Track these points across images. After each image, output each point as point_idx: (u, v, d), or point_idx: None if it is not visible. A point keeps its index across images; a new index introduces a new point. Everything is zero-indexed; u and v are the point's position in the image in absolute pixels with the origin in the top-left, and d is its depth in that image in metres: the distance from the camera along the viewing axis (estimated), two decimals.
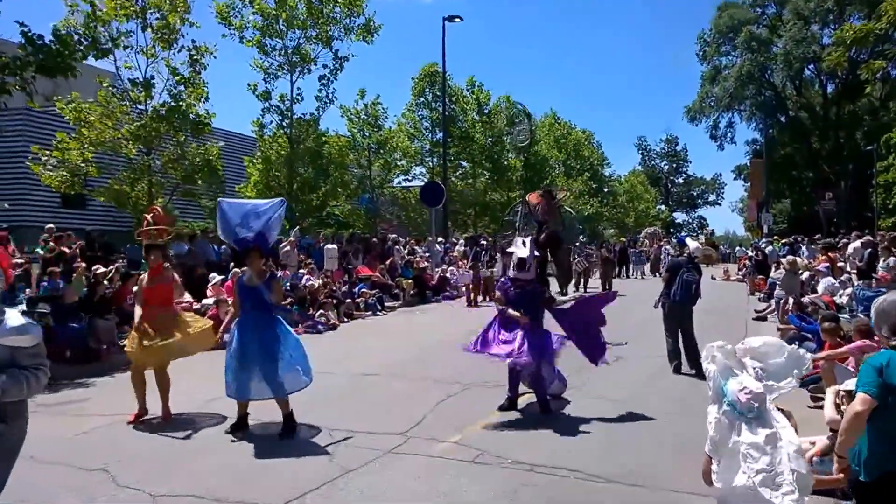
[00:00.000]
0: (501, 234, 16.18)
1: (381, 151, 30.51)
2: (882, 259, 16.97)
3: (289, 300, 16.62)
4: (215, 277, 16.10)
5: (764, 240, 39.68)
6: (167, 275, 8.51)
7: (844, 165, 59.72)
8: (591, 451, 7.01)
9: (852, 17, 56.99)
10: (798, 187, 66.00)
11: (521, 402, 8.80)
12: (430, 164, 35.21)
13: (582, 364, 10.84)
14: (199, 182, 19.75)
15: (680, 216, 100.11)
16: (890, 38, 30.98)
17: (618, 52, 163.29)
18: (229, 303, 14.98)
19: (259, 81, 24.35)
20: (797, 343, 11.15)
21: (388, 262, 23.29)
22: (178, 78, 19.04)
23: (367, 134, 29.95)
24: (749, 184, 75.57)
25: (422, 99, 34.91)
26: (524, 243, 8.80)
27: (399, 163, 32.48)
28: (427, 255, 26.30)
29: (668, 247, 40.91)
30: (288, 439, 7.42)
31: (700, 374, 8.41)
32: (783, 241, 32.66)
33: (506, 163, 38.45)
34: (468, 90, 37.17)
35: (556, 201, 14.99)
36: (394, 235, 26.94)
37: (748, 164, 74.39)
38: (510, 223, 16.23)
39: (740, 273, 32.93)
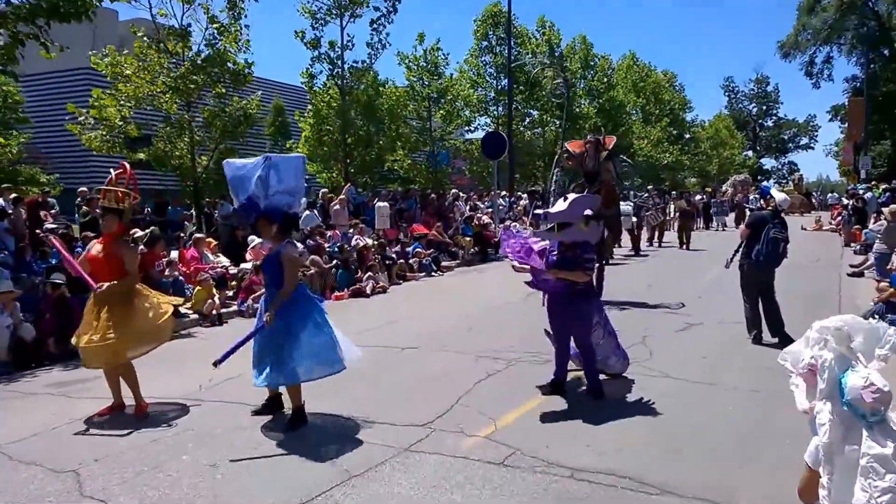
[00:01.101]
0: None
1: (442, 101, 28.98)
2: None
3: (334, 263, 15.76)
4: (255, 240, 15.26)
5: (862, 185, 36.95)
6: (119, 250, 7.11)
7: None
8: (647, 451, 5.82)
9: None
10: None
11: (573, 379, 7.70)
12: (496, 113, 33.70)
13: (645, 332, 9.76)
14: (241, 137, 18.78)
15: (768, 162, 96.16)
16: None
17: None
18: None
19: (307, 28, 23.24)
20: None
21: (448, 220, 22.23)
22: (216, 25, 18.10)
23: (426, 83, 28.48)
24: (846, 125, 71.73)
25: (485, 43, 33.23)
26: (566, 199, 7.35)
27: (462, 113, 30.84)
28: (490, 210, 25.06)
29: (754, 194, 38.65)
30: (292, 434, 6.45)
31: (784, 344, 7.55)
32: (883, 186, 30.14)
33: (578, 110, 36.64)
34: (538, 31, 35.34)
35: (603, 148, 13.75)
36: (455, 190, 25.73)
37: (846, 104, 70.47)
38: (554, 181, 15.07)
39: (834, 223, 30.64)
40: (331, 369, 6.64)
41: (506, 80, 31.44)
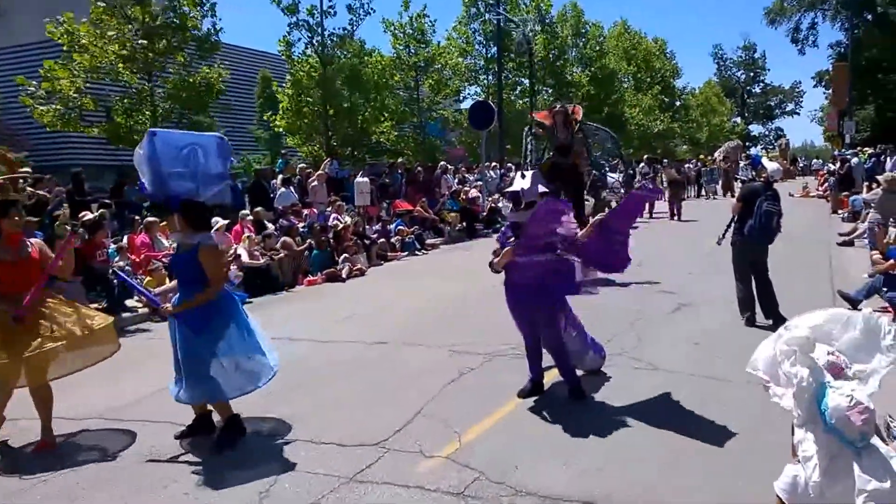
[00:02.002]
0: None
1: (430, 70, 26.68)
2: None
3: (307, 244, 13.81)
4: (219, 221, 13.26)
5: (848, 151, 35.00)
6: (25, 250, 5.39)
7: None
8: (634, 467, 4.65)
9: None
10: (884, 92, 60.28)
11: (551, 378, 6.28)
12: (486, 82, 31.48)
13: (634, 315, 8.52)
14: (206, 110, 16.69)
15: (756, 128, 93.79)
16: None
17: None
18: (228, 253, 12.35)
19: None
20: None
21: (434, 195, 20.23)
22: None
23: (413, 51, 26.17)
24: (830, 91, 69.63)
25: (474, 10, 30.93)
26: (524, 176, 5.99)
27: (450, 82, 28.47)
28: (479, 183, 23.02)
29: (745, 163, 36.60)
30: (218, 456, 5.06)
31: (779, 324, 6.57)
32: (869, 151, 28.20)
33: (570, 78, 34.44)
34: None
35: (573, 118, 12.00)
36: (442, 163, 23.62)
37: (829, 70, 68.34)
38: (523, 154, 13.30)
39: (821, 189, 28.97)
40: (258, 382, 5.33)
41: (495, 49, 29.24)
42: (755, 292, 8.16)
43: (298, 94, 21.40)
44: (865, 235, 14.61)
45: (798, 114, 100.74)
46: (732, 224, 8.34)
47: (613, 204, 20.75)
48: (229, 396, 5.22)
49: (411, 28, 25.91)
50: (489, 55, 30.60)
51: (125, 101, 15.89)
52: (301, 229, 14.50)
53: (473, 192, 21.92)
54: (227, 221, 13.28)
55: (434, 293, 11.31)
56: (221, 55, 18.24)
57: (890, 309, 8.25)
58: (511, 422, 5.54)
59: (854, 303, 8.60)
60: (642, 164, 25.72)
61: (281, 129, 22.32)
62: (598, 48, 37.45)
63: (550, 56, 32.66)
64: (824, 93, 75.94)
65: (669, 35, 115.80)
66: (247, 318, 5.39)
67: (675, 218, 21.48)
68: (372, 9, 21.89)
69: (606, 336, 7.53)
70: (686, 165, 31.41)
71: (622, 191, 20.06)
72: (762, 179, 8.18)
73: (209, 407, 5.40)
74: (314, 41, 21.31)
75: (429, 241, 17.67)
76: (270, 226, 14.67)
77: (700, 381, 6.29)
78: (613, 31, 44.68)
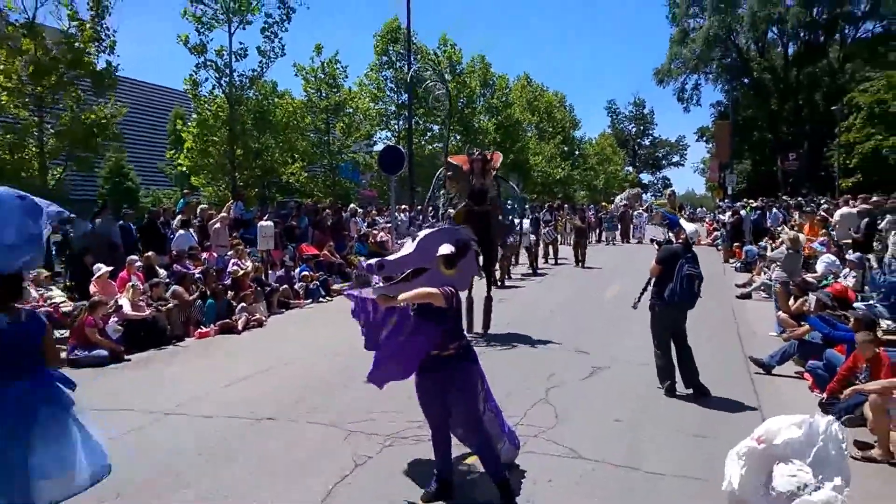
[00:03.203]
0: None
1: (341, 114, 25.40)
2: (891, 231, 12.70)
3: (199, 293, 12.23)
4: (101, 269, 11.57)
5: (736, 203, 35.73)
6: None
7: (802, 127, 56.52)
8: None
9: None
10: (759, 148, 62.88)
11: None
12: (397, 127, 30.50)
13: (548, 381, 7.67)
14: (99, 149, 14.96)
15: (646, 177, 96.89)
16: None
17: (590, 14, 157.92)
18: (108, 304, 10.70)
19: (191, 32, 19.28)
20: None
21: (342, 238, 18.89)
22: (76, 23, 14.29)
23: (324, 95, 24.88)
24: (711, 145, 72.27)
25: (385, 58, 29.97)
26: (415, 238, 4.76)
27: (361, 126, 27.22)
28: (389, 226, 21.82)
29: (640, 210, 36.72)
30: None
31: (699, 394, 6.99)
32: (753, 203, 28.57)
33: (478, 125, 33.84)
34: (440, 49, 32.26)
35: (491, 165, 11.06)
36: (352, 206, 22.33)
37: (710, 126, 70.96)
38: (433, 197, 12.22)
39: (710, 238, 29.37)
40: (75, 487, 3.93)
41: (406, 95, 28.33)
42: (675, 359, 7.21)
43: (204, 133, 19.75)
44: (762, 289, 14.27)
45: (682, 165, 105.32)
46: (650, 287, 7.41)
47: (523, 249, 20.04)
48: None
49: (323, 73, 24.63)
50: (400, 101, 29.66)
51: (8, 136, 13.98)
52: (197, 276, 12.93)
53: (383, 236, 20.73)
54: (109, 269, 11.64)
55: (333, 347, 9.94)
56: (132, 90, 16.57)
57: (807, 377, 7.48)
58: None
59: (767, 368, 7.85)
60: (545, 212, 25.09)
61: (184, 169, 20.56)
62: (504, 98, 37.10)
63: (460, 104, 32.00)
64: (706, 146, 79.14)
65: (568, 89, 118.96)
66: (73, 410, 4.03)
67: (580, 265, 20.79)
68: (283, 52, 20.51)
69: (520, 408, 6.48)
70: (588, 213, 31.07)
71: (532, 237, 19.24)
72: (681, 241, 7.27)
73: None
74: (222, 82, 19.75)
75: (335, 287, 16.31)
76: (163, 272, 13.05)
77: (629, 474, 5.25)
78: (517, 84, 44.60)
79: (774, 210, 24.47)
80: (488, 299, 10.68)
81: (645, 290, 7.52)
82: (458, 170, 10.91)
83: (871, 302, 9.47)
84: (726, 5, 54.89)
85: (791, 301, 9.73)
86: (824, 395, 6.61)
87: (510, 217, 12.24)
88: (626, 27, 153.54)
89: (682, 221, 7.55)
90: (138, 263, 12.28)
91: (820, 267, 11.68)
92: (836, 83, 54.64)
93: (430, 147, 32.39)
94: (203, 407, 7.09)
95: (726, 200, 50.94)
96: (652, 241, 7.73)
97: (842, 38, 56.70)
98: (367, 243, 19.08)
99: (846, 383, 6.31)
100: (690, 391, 7.11)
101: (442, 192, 11.91)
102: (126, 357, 9.76)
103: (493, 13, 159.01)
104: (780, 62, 59.20)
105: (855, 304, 9.03)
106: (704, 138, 76.65)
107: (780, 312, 9.82)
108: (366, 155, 28.71)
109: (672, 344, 7.24)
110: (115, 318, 10.39)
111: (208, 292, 12.35)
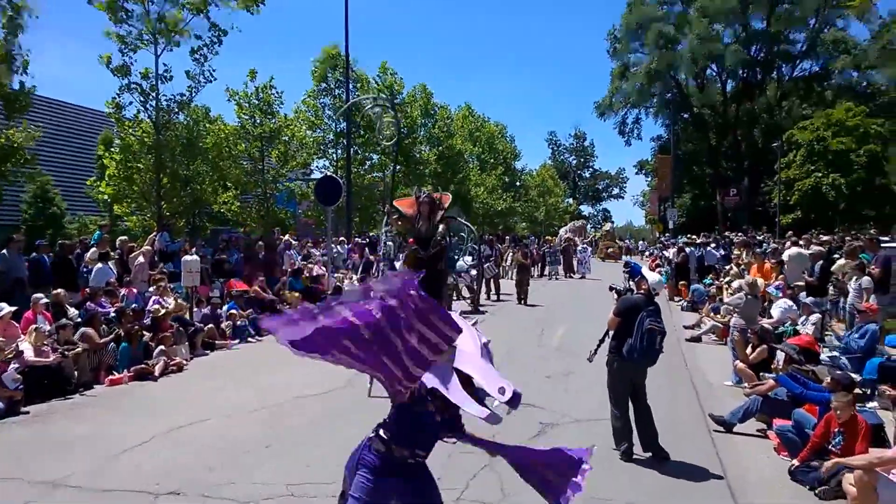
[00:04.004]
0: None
1: (277, 141, 24.70)
2: (851, 277, 12.67)
3: (113, 335, 11.40)
4: (3, 308, 10.65)
5: (682, 239, 36.11)
6: None
7: (741, 163, 58.15)
8: None
9: (754, 16, 55.11)
10: (698, 183, 64.43)
11: None
12: (335, 156, 29.93)
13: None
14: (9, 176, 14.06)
15: (586, 209, 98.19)
16: None
17: (531, 45, 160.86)
18: (7, 350, 9.83)
19: (114, 53, 18.39)
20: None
21: (275, 272, 18.16)
22: None
23: (258, 121, 24.19)
24: (650, 178, 73.87)
25: (324, 85, 29.50)
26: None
27: (298, 155, 26.53)
28: (325, 258, 21.19)
29: (582, 244, 36.79)
30: None
31: (658, 458, 6.56)
32: (698, 241, 28.74)
33: (418, 155, 33.56)
34: (379, 77, 31.94)
35: (439, 207, 10.65)
36: (286, 238, 21.62)
37: (649, 160, 72.55)
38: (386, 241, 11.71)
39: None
40: None
41: (345, 123, 27.86)
42: (633, 420, 6.80)
43: (128, 159, 18.82)
44: (713, 331, 14.13)
45: (622, 197, 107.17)
46: (606, 340, 7.02)
47: (463, 287, 19.62)
48: None
49: (257, 98, 23.96)
50: (339, 129, 29.15)
51: None
52: (111, 315, 12.08)
53: (318, 270, 20.09)
54: (12, 309, 10.73)
55: (257, 397, 9.35)
56: (60, 113, 15.67)
57: (772, 436, 7.17)
58: None
59: (729, 426, 7.50)
60: (485, 247, 24.75)
61: (106, 197, 19.56)
62: (445, 129, 36.95)
63: (401, 134, 31.67)
64: (645, 179, 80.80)
65: (508, 119, 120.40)
66: None
67: (522, 302, 20.48)
68: (214, 77, 19.81)
69: (462, 477, 5.97)
70: (532, 247, 30.95)
71: (472, 272, 18.81)
72: (642, 292, 6.88)
73: None
74: (147, 106, 18.91)
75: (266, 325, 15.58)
76: (74, 311, 12.18)
77: None
78: (459, 114, 44.57)
79: (713, 246, 24.54)
80: None
81: (601, 342, 7.12)
82: (402, 215, 10.50)
83: (834, 353, 9.32)
84: (666, 41, 56.38)
85: (749, 350, 9.51)
86: (794, 462, 6.24)
87: (459, 255, 11.76)
88: (567, 59, 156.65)
89: (645, 270, 7.16)
90: (44, 301, 11.37)
91: (776, 312, 11.45)
92: (773, 120, 56.59)
93: (370, 176, 31.94)
94: (99, 478, 6.32)
95: (667, 235, 51.96)
96: (611, 288, 7.29)
97: (779, 76, 58.89)
98: (301, 278, 18.37)
99: (819, 450, 6.02)
100: (649, 454, 6.73)
101: (387, 231, 11.43)
102: (24, 409, 8.92)
103: (433, 43, 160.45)
104: (718, 98, 61.04)
105: (821, 358, 8.82)
106: (644, 171, 78.36)
107: (738, 362, 9.54)
108: (302, 184, 27.96)
109: (630, 403, 6.84)
110: (15, 365, 9.53)
111: (122, 334, 11.52)
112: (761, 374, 8.99)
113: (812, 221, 41.01)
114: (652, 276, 7.03)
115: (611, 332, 6.95)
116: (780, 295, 12.31)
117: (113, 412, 8.88)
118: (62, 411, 8.99)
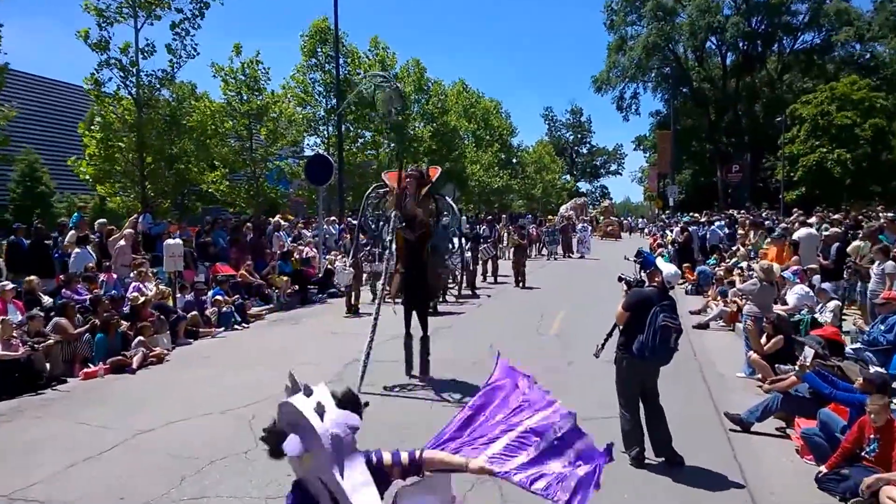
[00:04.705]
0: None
1: (264, 119, 23.97)
2: (875, 262, 11.88)
3: (88, 324, 10.83)
4: None
5: (685, 217, 35.53)
6: None
7: (742, 138, 57.48)
8: None
9: None
10: (698, 159, 63.81)
11: None
12: (326, 133, 29.22)
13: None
14: None
15: (584, 186, 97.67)
16: None
17: (526, 18, 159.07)
18: None
19: (92, 27, 17.66)
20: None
21: (263, 255, 17.56)
22: None
23: (245, 98, 23.46)
24: (649, 154, 73.10)
25: (314, 60, 28.69)
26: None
27: (287, 132, 25.76)
28: (316, 239, 20.63)
29: (582, 223, 36.21)
30: None
31: (672, 464, 6.09)
32: (702, 220, 28.13)
33: (412, 132, 32.86)
34: (371, 52, 31.15)
35: (427, 181, 10.02)
36: (276, 219, 21.00)
37: (647, 135, 71.79)
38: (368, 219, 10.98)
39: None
40: None
41: (336, 100, 27.11)
42: (644, 422, 6.28)
43: (108, 137, 18.15)
44: (721, 317, 13.58)
45: (620, 174, 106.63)
46: (615, 334, 6.46)
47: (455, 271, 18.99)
48: None
49: (243, 74, 23.20)
50: (329, 106, 28.42)
51: None
52: (87, 304, 11.52)
53: (308, 252, 19.52)
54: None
55: (241, 394, 8.71)
56: (48, 89, 14.96)
57: (794, 437, 6.65)
58: None
59: (746, 426, 6.98)
60: (483, 227, 24.16)
61: (88, 177, 18.90)
62: (440, 105, 36.22)
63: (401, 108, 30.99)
64: (644, 155, 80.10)
65: (504, 95, 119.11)
66: None
67: (520, 284, 19.93)
68: (197, 51, 19.08)
69: (459, 487, 5.39)
70: (531, 227, 30.33)
71: (468, 254, 18.11)
72: (655, 284, 6.29)
73: None
74: (128, 82, 18.21)
75: (254, 311, 15.06)
76: (48, 299, 11.62)
77: None
78: (453, 90, 43.73)
79: (718, 224, 23.90)
80: (425, 339, 9.60)
81: (609, 336, 6.58)
82: (391, 189, 9.82)
83: (857, 345, 8.75)
84: (665, 13, 55.50)
85: (764, 340, 8.97)
86: (822, 469, 5.71)
87: (445, 241, 10.89)
88: (564, 33, 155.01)
89: (659, 261, 6.55)
90: (10, 287, 10.78)
91: (791, 299, 10.77)
92: (774, 94, 55.87)
93: (362, 154, 31.26)
94: (62, 490, 5.79)
95: (668, 212, 51.40)
96: (620, 279, 6.69)
97: (780, 49, 58.07)
98: (290, 261, 17.79)
99: (851, 456, 5.50)
100: (661, 459, 6.22)
101: (370, 205, 10.67)
102: None
103: (425, 18, 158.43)
104: (718, 72, 60.23)
105: (846, 351, 8.25)
106: (642, 147, 77.64)
107: (752, 353, 9.01)
108: (293, 164, 27.25)
109: (641, 403, 6.31)
110: None
111: (98, 323, 10.96)
112: (777, 365, 8.48)
113: (816, 198, 40.44)
114: (667, 268, 6.39)
115: (617, 328, 6.42)
116: (797, 280, 11.62)
117: (84, 410, 8.31)
118: (31, 409, 8.43)
